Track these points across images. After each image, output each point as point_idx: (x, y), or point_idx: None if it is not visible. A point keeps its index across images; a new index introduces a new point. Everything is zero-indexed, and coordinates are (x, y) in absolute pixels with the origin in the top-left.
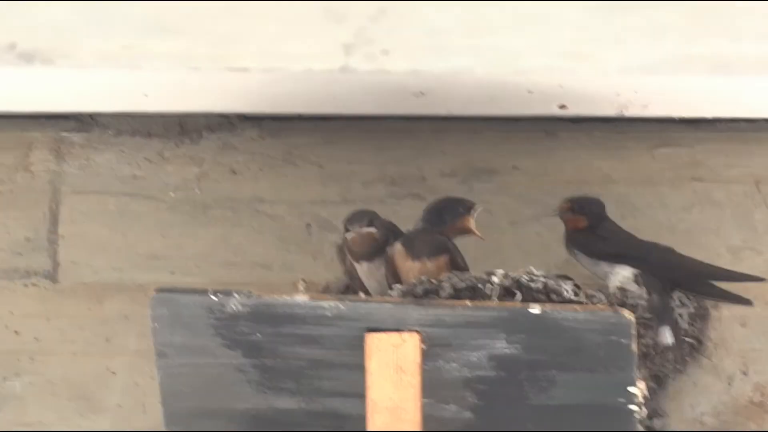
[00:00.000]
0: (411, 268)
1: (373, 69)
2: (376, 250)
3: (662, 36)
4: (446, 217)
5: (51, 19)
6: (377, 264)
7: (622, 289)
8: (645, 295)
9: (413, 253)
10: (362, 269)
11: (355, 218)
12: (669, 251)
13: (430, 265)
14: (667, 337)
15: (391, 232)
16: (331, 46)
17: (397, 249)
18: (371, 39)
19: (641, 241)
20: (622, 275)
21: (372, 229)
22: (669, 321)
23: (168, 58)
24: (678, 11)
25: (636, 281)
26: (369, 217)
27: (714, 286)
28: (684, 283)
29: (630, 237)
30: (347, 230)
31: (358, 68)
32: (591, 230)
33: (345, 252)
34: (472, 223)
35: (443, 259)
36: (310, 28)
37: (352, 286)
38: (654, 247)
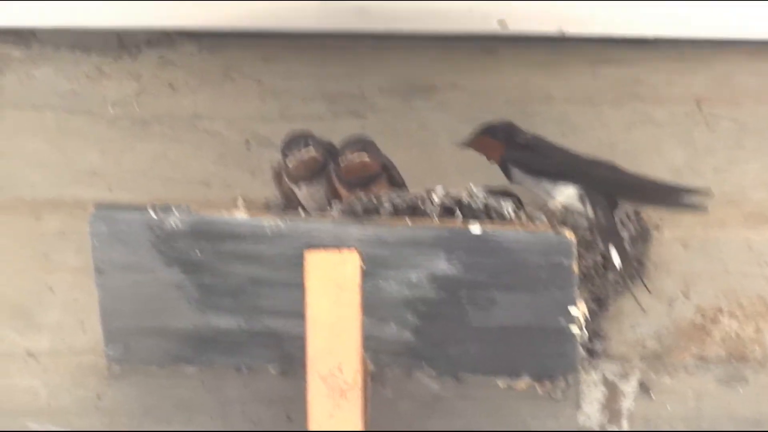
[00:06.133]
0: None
1: None
2: (316, 172)
3: None
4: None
5: None
6: (316, 186)
7: (565, 208)
8: (590, 214)
9: (349, 184)
10: (301, 192)
11: (293, 142)
12: (611, 167)
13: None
14: (615, 257)
15: (329, 153)
16: None
17: (335, 178)
18: None
19: (583, 157)
20: (566, 193)
21: (313, 152)
22: (616, 240)
23: None
24: None
25: (581, 199)
26: (306, 139)
27: (661, 198)
28: (629, 198)
29: (570, 153)
30: (286, 155)
31: None
32: (529, 148)
33: (282, 175)
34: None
35: (381, 185)
36: None
37: (290, 208)
38: (596, 162)
